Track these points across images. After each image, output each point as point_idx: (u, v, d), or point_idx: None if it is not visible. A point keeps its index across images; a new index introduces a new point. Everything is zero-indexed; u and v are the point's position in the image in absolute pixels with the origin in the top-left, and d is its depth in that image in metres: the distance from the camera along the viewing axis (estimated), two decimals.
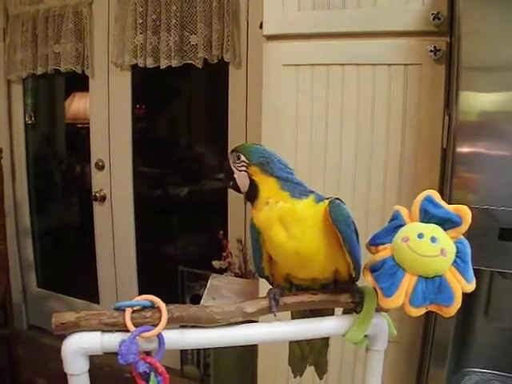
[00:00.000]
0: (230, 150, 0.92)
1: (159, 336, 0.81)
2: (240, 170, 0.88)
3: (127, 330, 0.80)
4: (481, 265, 1.30)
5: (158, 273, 3.31)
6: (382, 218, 1.57)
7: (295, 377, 1.07)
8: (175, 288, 2.98)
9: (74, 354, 0.81)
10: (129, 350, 0.77)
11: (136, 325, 0.80)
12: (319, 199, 0.87)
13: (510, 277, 1.38)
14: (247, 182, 0.88)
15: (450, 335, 1.45)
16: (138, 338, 0.79)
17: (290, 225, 0.85)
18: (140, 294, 2.77)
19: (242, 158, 0.89)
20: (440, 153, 1.54)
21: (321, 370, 1.06)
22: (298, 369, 1.07)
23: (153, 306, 0.83)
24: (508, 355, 1.52)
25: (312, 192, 0.88)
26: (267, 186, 0.87)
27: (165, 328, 0.81)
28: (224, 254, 2.55)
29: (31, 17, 3.18)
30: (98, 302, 3.43)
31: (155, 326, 0.80)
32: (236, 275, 2.45)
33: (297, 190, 0.87)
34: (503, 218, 1.30)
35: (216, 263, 2.52)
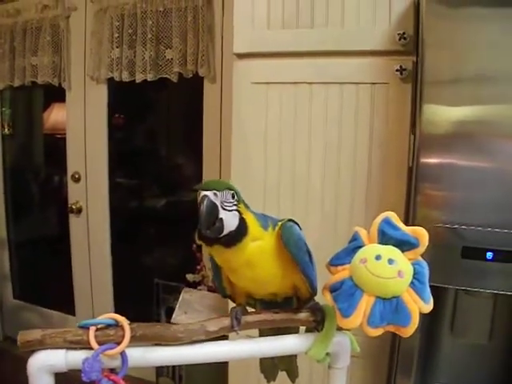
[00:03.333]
0: (204, 186, 0.82)
1: (122, 354, 0.82)
2: (230, 210, 0.82)
3: (91, 348, 0.80)
4: (445, 283, 1.34)
5: (133, 285, 3.29)
6: (349, 235, 1.58)
7: (268, 382, 1.08)
8: (151, 300, 2.99)
9: (39, 370, 0.82)
10: (92, 368, 0.78)
11: (100, 343, 0.81)
12: (274, 223, 0.87)
13: (473, 294, 1.40)
14: (236, 221, 0.82)
15: (415, 351, 1.47)
16: (101, 355, 0.80)
17: (255, 259, 0.85)
18: (116, 306, 2.74)
19: (235, 196, 0.83)
20: (406, 171, 1.56)
21: (293, 375, 1.07)
22: (270, 375, 1.08)
23: (117, 325, 0.83)
24: (473, 371, 1.54)
25: (268, 218, 0.89)
26: (251, 222, 0.84)
27: (129, 346, 0.82)
28: (198, 268, 2.55)
29: (9, 29, 3.18)
30: (73, 314, 3.41)
31: (119, 343, 0.81)
32: (209, 289, 2.44)
33: (261, 219, 0.86)
34: (466, 236, 1.33)
35: (190, 276, 2.52)
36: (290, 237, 0.85)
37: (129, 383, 0.82)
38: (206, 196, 0.80)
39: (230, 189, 0.83)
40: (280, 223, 0.87)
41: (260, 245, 0.84)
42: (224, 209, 0.81)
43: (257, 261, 0.85)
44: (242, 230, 0.82)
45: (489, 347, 1.50)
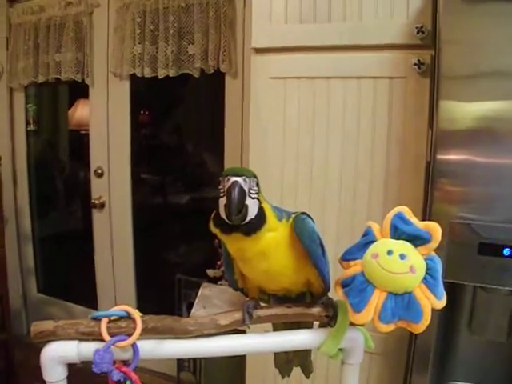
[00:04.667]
0: (233, 171, 0.81)
1: (134, 346, 0.82)
2: (253, 198, 0.81)
3: (103, 340, 0.81)
4: (461, 279, 1.31)
5: (155, 280, 3.32)
6: None
7: (283, 377, 1.08)
8: (172, 295, 3.00)
9: (51, 361, 0.83)
10: (103, 359, 0.79)
11: (111, 334, 0.82)
12: (288, 216, 0.87)
13: (491, 291, 1.37)
14: (256, 209, 0.81)
15: (431, 348, 1.45)
16: (112, 347, 0.80)
17: (269, 250, 0.84)
18: (138, 301, 2.75)
19: (258, 184, 0.83)
20: (424, 166, 1.54)
21: (307, 371, 1.07)
22: (284, 370, 1.08)
23: (129, 317, 0.84)
24: (490, 369, 1.52)
25: (282, 210, 0.88)
26: (268, 212, 0.83)
27: (141, 338, 0.82)
28: (219, 263, 2.55)
29: (33, 26, 3.23)
30: (96, 308, 3.43)
31: (130, 335, 0.82)
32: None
33: (276, 210, 0.86)
34: (482, 232, 1.31)
35: (210, 272, 2.53)
36: (304, 228, 0.85)
37: (139, 375, 0.83)
38: (237, 182, 0.79)
39: (255, 176, 0.82)
40: (294, 215, 0.86)
41: (274, 236, 0.84)
42: (249, 196, 0.80)
43: (271, 252, 0.84)
44: (260, 218, 0.81)
45: (507, 345, 1.47)
